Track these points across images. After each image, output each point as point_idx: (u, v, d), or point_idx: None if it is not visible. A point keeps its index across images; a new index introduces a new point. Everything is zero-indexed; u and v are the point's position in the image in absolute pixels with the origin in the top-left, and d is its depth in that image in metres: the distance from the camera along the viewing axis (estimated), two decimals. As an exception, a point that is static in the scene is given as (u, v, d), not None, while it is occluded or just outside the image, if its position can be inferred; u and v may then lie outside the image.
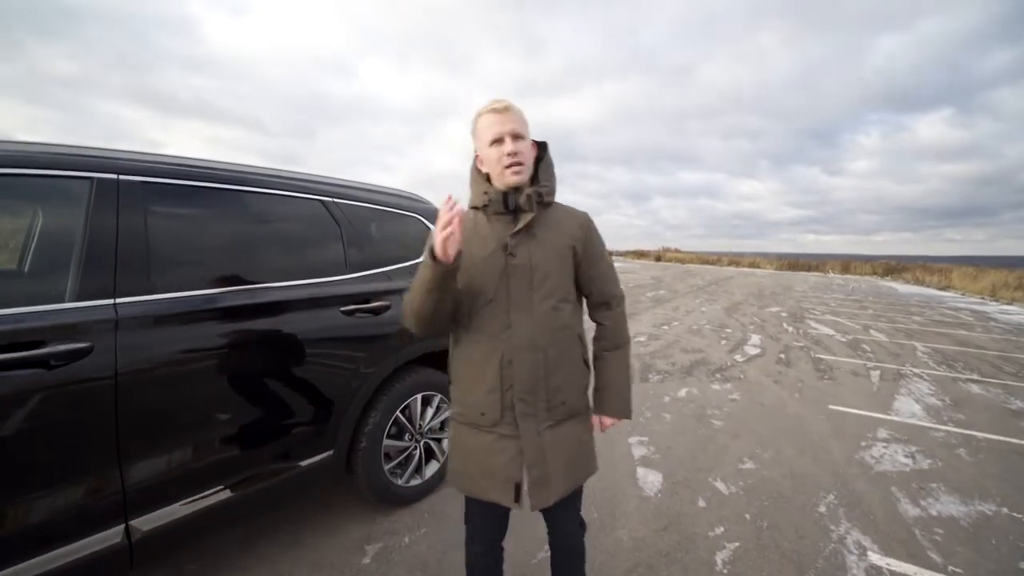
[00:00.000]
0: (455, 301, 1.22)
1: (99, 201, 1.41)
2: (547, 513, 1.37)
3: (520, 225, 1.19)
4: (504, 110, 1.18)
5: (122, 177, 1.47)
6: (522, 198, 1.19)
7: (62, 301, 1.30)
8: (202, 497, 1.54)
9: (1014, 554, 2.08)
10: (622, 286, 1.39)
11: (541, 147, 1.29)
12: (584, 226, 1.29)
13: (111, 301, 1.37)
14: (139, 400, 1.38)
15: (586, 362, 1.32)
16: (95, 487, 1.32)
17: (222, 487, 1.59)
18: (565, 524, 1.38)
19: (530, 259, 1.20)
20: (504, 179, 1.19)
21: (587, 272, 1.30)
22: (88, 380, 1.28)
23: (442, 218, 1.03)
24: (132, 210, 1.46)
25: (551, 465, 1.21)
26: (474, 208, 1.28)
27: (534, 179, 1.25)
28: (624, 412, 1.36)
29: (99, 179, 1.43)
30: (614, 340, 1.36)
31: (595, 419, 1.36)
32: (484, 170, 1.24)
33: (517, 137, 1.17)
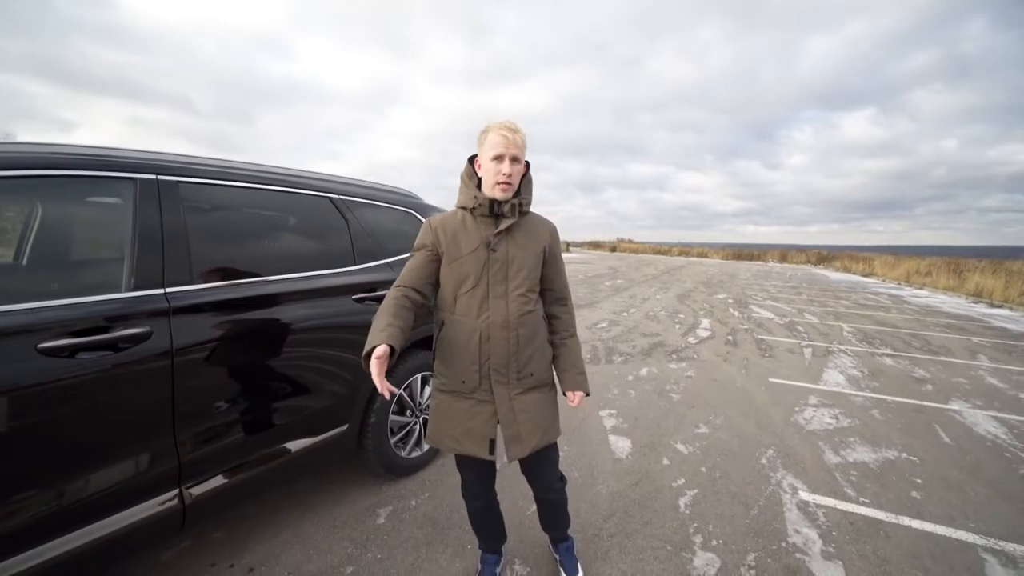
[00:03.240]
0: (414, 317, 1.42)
1: (143, 200, 1.54)
2: (530, 474, 1.67)
3: (502, 227, 1.45)
4: (512, 133, 1.39)
5: (160, 177, 1.61)
6: (507, 207, 1.44)
7: (119, 291, 1.45)
8: (244, 465, 1.72)
9: (908, 487, 2.59)
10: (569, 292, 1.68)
11: (525, 165, 1.50)
12: (552, 233, 1.60)
13: (162, 291, 1.52)
14: (191, 379, 1.54)
15: (550, 342, 1.61)
16: (156, 456, 1.48)
17: (261, 457, 1.77)
18: (546, 480, 1.66)
19: (507, 255, 1.46)
20: (493, 192, 1.43)
21: (549, 271, 1.58)
22: (149, 361, 1.44)
23: (377, 381, 1.19)
24: (172, 207, 1.61)
25: (521, 425, 1.48)
26: (462, 208, 1.49)
27: (517, 192, 1.49)
28: (586, 387, 1.60)
29: (141, 179, 1.56)
30: (571, 330, 1.64)
31: (570, 395, 1.60)
32: (480, 175, 1.47)
33: (515, 160, 1.40)
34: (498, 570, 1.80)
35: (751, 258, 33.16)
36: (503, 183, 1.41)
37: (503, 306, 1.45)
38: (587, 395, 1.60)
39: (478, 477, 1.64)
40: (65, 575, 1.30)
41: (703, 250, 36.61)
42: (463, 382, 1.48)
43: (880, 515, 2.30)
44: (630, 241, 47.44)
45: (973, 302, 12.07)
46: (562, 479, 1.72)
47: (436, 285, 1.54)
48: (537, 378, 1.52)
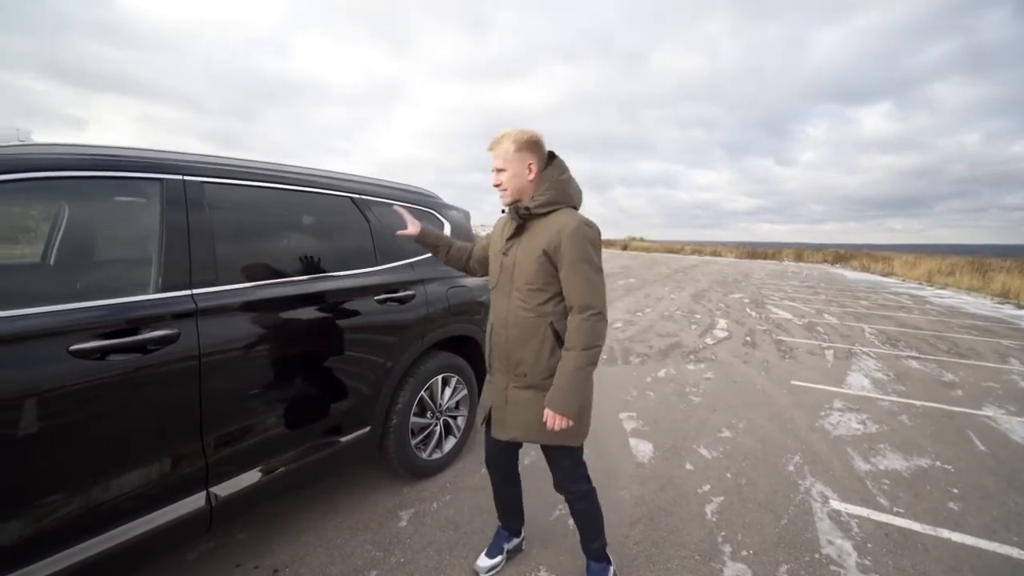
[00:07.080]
0: (456, 259, 1.87)
1: (170, 200, 1.53)
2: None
3: (510, 232, 1.55)
4: (490, 148, 1.54)
5: (187, 178, 1.59)
6: (516, 210, 1.51)
7: (146, 292, 1.43)
8: (269, 466, 1.70)
9: (944, 496, 2.50)
10: (593, 300, 1.42)
11: (549, 158, 1.54)
12: (560, 233, 1.42)
13: (189, 292, 1.50)
14: (217, 381, 1.53)
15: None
16: (184, 457, 1.47)
17: (285, 458, 1.76)
18: (555, 477, 1.69)
19: (515, 258, 1.54)
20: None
21: (560, 275, 1.45)
22: (177, 363, 1.43)
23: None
24: (198, 208, 1.59)
25: (508, 414, 1.59)
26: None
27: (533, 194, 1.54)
28: (556, 406, 1.41)
29: (168, 180, 1.55)
30: (568, 342, 1.44)
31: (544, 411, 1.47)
32: None
33: (498, 170, 1.53)
34: (506, 545, 1.88)
35: (765, 257, 32.65)
36: (499, 191, 1.57)
37: (505, 305, 1.56)
38: (568, 419, 1.41)
39: (492, 445, 1.76)
40: (95, 578, 1.30)
41: (716, 249, 36.17)
42: (484, 361, 1.79)
43: (916, 526, 2.22)
44: (642, 239, 47.09)
45: (999, 303, 11.73)
46: (577, 482, 1.67)
47: (485, 265, 1.78)
48: (530, 380, 1.53)
